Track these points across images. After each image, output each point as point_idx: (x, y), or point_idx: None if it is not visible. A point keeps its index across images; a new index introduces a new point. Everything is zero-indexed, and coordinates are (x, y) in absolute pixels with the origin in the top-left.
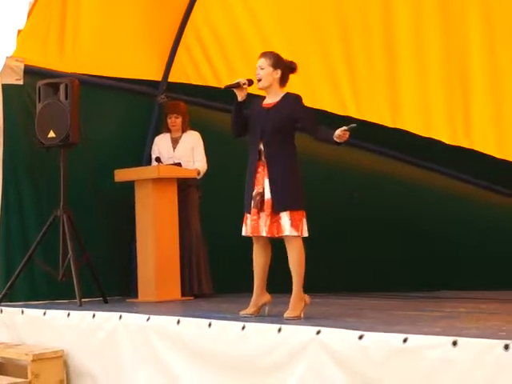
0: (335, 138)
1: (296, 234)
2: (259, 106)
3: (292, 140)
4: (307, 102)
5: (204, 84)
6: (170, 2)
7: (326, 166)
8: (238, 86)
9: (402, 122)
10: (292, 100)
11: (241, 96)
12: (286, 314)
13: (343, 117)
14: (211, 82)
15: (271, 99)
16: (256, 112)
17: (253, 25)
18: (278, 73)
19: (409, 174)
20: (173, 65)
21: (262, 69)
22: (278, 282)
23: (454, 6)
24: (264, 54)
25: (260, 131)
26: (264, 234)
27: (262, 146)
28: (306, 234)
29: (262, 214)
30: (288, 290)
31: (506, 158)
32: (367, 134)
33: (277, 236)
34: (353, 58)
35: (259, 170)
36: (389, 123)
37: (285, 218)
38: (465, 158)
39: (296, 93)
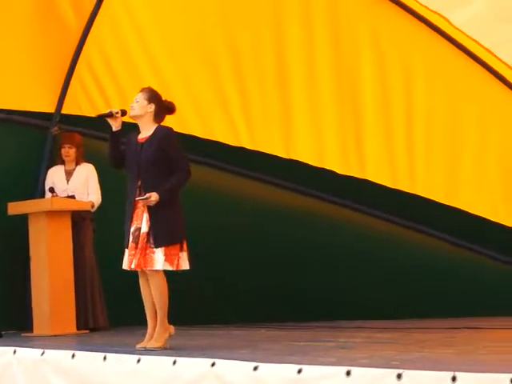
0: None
1: (171, 268)
2: (135, 140)
3: (170, 172)
4: (201, 134)
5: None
6: (63, 33)
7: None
8: (110, 115)
9: (295, 152)
10: (162, 132)
11: (115, 126)
12: (149, 345)
13: (237, 148)
14: None
15: (145, 133)
16: (131, 147)
17: (146, 56)
18: (152, 107)
19: (289, 202)
20: (66, 96)
21: (137, 102)
22: (184, 314)
23: (344, 37)
24: (142, 89)
25: (136, 167)
26: (133, 267)
27: (140, 182)
28: (184, 267)
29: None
30: (198, 321)
31: (400, 188)
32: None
33: (145, 269)
34: (246, 88)
35: (139, 205)
36: (283, 154)
37: (159, 253)
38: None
39: (167, 126)
